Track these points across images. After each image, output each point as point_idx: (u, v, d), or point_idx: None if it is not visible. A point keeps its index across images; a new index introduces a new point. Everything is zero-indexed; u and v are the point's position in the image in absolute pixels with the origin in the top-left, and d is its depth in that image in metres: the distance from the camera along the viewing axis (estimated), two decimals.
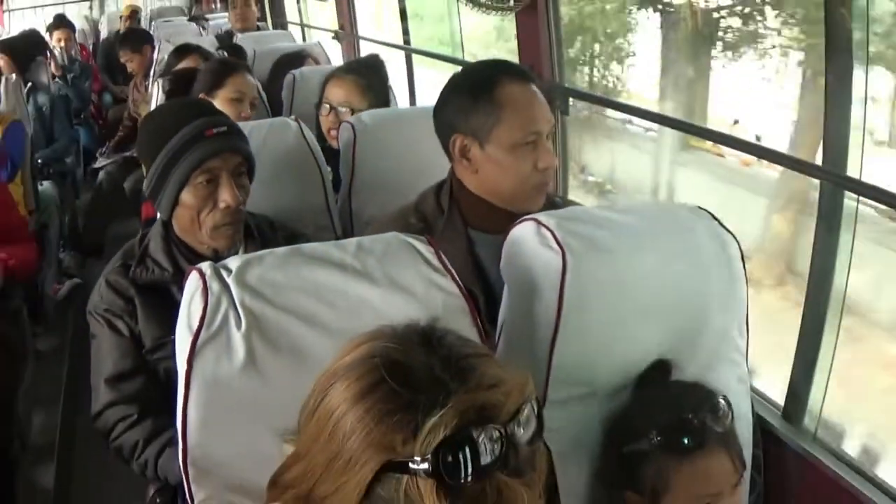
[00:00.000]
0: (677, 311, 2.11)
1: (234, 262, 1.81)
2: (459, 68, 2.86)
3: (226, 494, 1.72)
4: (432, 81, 5.56)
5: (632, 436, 1.99)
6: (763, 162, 3.96)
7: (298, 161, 3.28)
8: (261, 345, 1.71)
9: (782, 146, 3.81)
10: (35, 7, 13.96)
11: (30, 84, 6.72)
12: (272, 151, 3.20)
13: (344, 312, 1.73)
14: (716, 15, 4.44)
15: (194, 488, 1.73)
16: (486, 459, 1.19)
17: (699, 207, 2.27)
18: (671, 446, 1.93)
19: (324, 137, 3.91)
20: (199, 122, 2.60)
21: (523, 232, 2.06)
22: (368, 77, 4.00)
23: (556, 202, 2.67)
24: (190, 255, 2.62)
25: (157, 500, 2.59)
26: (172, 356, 1.78)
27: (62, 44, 8.93)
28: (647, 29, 4.91)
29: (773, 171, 4.14)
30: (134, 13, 11.33)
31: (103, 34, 12.28)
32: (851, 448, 2.56)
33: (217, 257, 2.28)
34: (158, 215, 2.71)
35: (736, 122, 4.22)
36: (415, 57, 5.86)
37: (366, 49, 6.63)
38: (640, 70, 4.54)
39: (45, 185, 6.19)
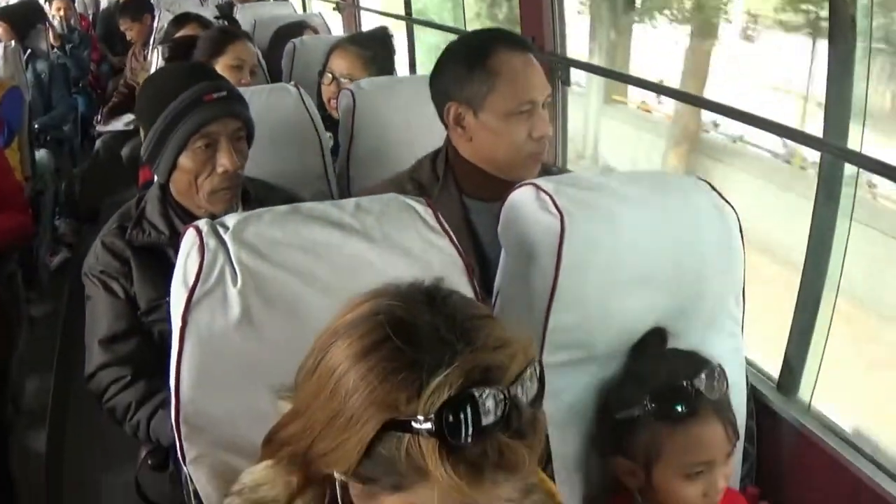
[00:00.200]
0: (674, 278, 2.10)
1: (231, 220, 1.80)
2: None
3: (218, 452, 1.71)
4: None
5: (625, 402, 2.00)
6: (662, 110, 4.97)
7: (297, 127, 3.29)
8: (257, 301, 1.70)
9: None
10: None
11: (29, 51, 6.68)
12: (271, 117, 3.19)
13: (341, 270, 1.73)
14: None
15: (186, 446, 1.72)
16: (488, 420, 1.19)
17: (699, 178, 2.27)
18: (664, 413, 1.93)
19: (324, 106, 3.91)
20: (198, 86, 2.59)
21: (522, 196, 2.05)
22: (373, 49, 3.99)
23: (552, 171, 2.66)
24: (187, 219, 2.59)
25: (149, 462, 2.58)
26: (167, 318, 1.78)
27: (61, 13, 8.87)
28: None
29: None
30: None
31: (103, 3, 12.18)
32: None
33: None
34: (156, 178, 2.70)
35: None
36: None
37: (366, 19, 6.61)
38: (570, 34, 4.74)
39: (42, 153, 6.15)
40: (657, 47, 5.29)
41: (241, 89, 2.89)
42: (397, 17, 6.08)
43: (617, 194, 2.10)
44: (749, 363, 2.37)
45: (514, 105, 2.48)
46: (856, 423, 2.37)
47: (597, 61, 5.23)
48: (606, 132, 5.77)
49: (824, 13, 2.46)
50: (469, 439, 1.18)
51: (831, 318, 2.39)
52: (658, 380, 1.97)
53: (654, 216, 2.10)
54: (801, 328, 2.40)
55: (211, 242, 1.74)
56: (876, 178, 2.52)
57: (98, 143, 6.95)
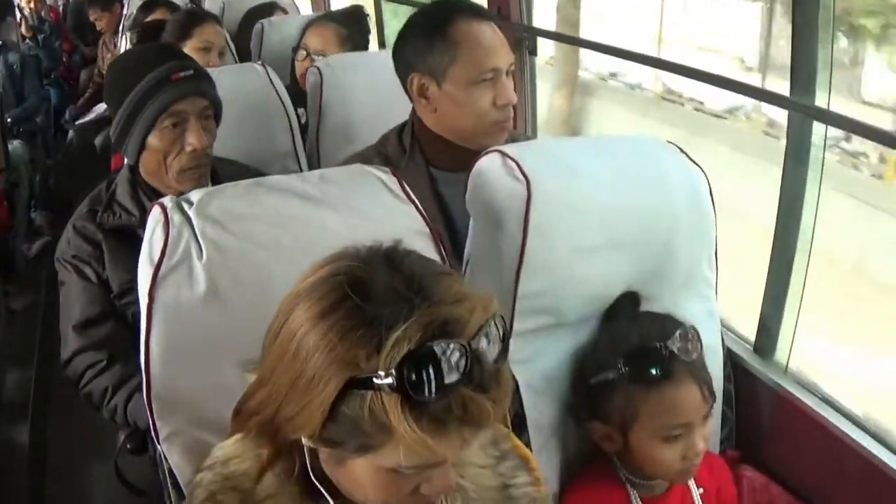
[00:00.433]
0: (645, 242, 2.10)
1: (195, 195, 1.79)
2: None
3: (191, 429, 1.70)
4: None
5: (599, 366, 1.99)
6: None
7: (266, 106, 3.29)
8: (223, 274, 1.69)
9: None
10: None
11: (0, 43, 6.65)
12: (240, 96, 3.18)
13: (307, 239, 1.71)
14: None
15: (159, 424, 1.71)
16: (450, 374, 1.19)
17: (668, 142, 2.26)
18: (638, 376, 1.93)
19: (297, 83, 3.92)
20: (165, 66, 2.58)
21: (488, 163, 2.05)
22: (348, 27, 4.00)
23: (519, 140, 2.66)
24: (157, 200, 2.59)
25: (128, 446, 2.57)
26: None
27: (31, 4, 8.84)
28: None
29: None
30: None
31: None
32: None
33: None
34: (125, 161, 2.69)
35: None
36: None
37: (335, 1, 6.59)
38: None
39: (15, 145, 6.14)
40: None
41: (209, 69, 2.87)
42: None
43: (584, 159, 2.10)
44: (725, 326, 2.37)
45: (476, 74, 2.48)
46: None
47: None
48: None
49: None
50: (431, 394, 1.19)
51: (804, 280, 2.38)
52: (631, 342, 1.97)
53: (622, 180, 2.10)
54: (776, 290, 2.40)
55: (176, 218, 1.73)
56: None
57: (71, 133, 6.95)
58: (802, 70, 2.22)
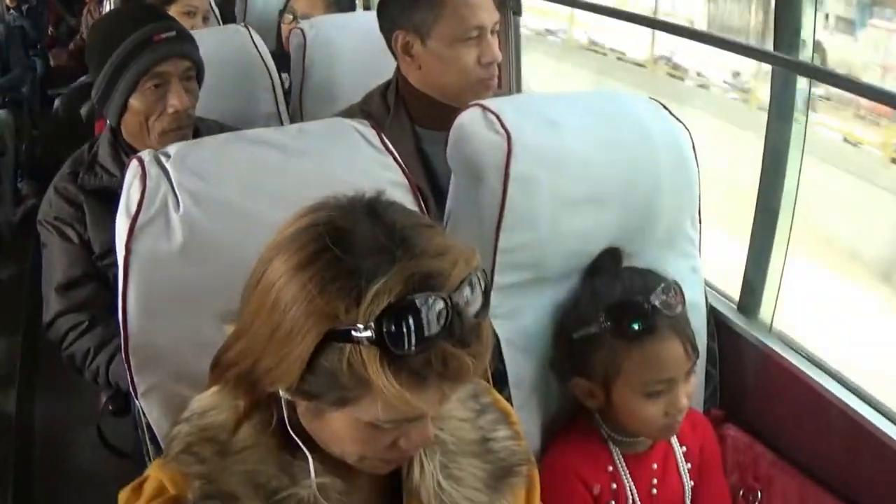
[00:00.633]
0: (628, 197, 2.09)
1: (173, 149, 1.78)
2: None
3: (169, 384, 1.69)
4: None
5: (581, 321, 1.99)
6: None
7: (249, 68, 3.27)
8: (200, 226, 1.67)
9: None
10: None
11: None
12: (223, 58, 3.17)
13: (284, 189, 1.68)
14: None
15: (137, 380, 1.69)
16: (430, 328, 1.18)
17: (651, 98, 2.25)
18: (620, 330, 1.92)
19: (283, 47, 3.91)
20: (147, 27, 2.57)
21: (469, 117, 2.04)
22: None
23: None
24: None
25: (110, 408, 2.58)
26: None
27: None
28: None
29: None
30: None
31: None
32: None
33: None
34: (107, 122, 2.68)
35: None
36: None
37: None
38: None
39: (1, 114, 6.12)
40: None
41: (193, 32, 2.86)
42: None
43: (566, 113, 2.09)
44: (709, 285, 2.37)
45: (461, 31, 2.49)
46: None
47: None
48: None
49: None
50: (411, 347, 1.18)
51: (788, 238, 2.37)
52: (614, 297, 1.96)
53: (604, 133, 2.09)
54: (759, 248, 2.39)
55: (153, 171, 1.71)
56: None
57: (57, 102, 6.90)
58: (786, 25, 2.21)
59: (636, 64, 6.66)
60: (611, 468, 2.02)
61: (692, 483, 2.10)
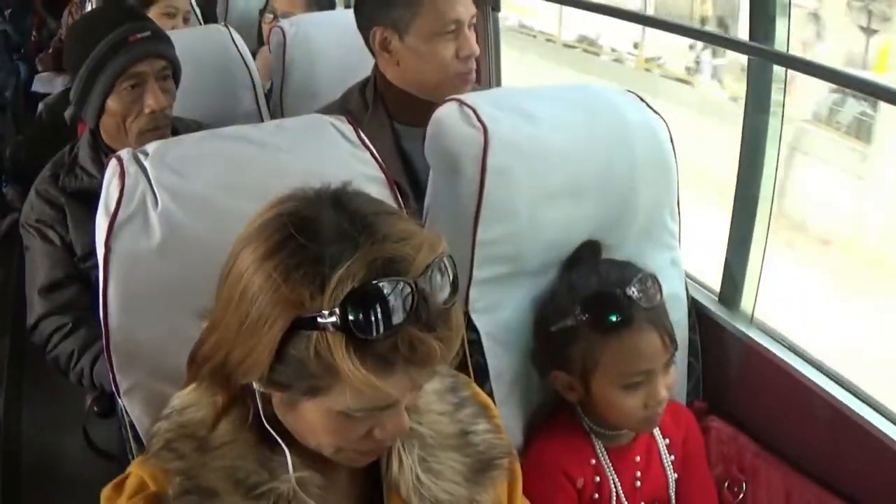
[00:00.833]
0: (606, 189, 2.10)
1: (151, 147, 1.78)
2: None
3: (151, 382, 1.69)
4: None
5: (559, 314, 1.99)
6: None
7: (229, 67, 3.28)
8: (178, 223, 1.68)
9: None
10: None
11: None
12: (204, 58, 3.18)
13: (262, 184, 1.64)
14: None
15: (119, 378, 1.70)
16: (395, 312, 1.19)
17: (628, 91, 2.26)
18: (597, 322, 1.92)
19: (263, 44, 3.91)
20: (122, 28, 2.57)
21: (446, 111, 2.04)
22: None
23: None
24: None
25: (95, 409, 2.58)
26: None
27: None
28: None
29: None
30: None
31: None
32: None
33: None
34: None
35: None
36: None
37: None
38: None
39: None
40: None
41: (173, 32, 2.88)
42: None
43: (542, 106, 2.10)
44: (689, 277, 2.37)
45: (439, 26, 2.50)
46: None
47: None
48: None
49: None
50: (378, 332, 1.18)
51: (768, 228, 2.38)
52: (590, 289, 1.96)
53: (581, 126, 2.10)
54: (739, 238, 2.39)
55: (131, 169, 1.71)
56: None
57: (41, 106, 6.88)
58: (761, 15, 2.22)
59: (565, 45, 7.22)
60: (594, 461, 2.02)
61: (676, 475, 2.10)
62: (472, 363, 1.99)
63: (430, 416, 1.52)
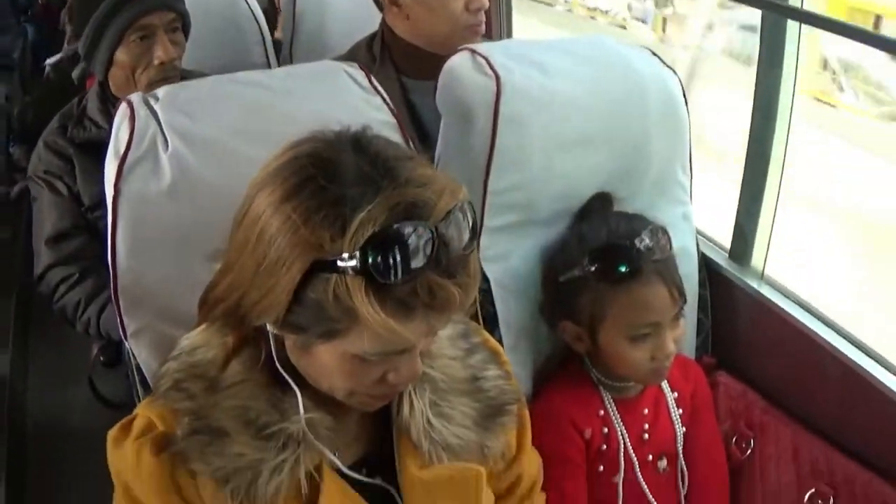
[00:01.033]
0: (618, 141, 2.10)
1: (162, 91, 1.78)
2: None
3: (158, 324, 1.69)
4: None
5: (568, 264, 1.98)
6: None
7: (240, 22, 3.26)
8: (187, 165, 1.67)
9: None
10: None
11: None
12: (213, 11, 3.17)
13: (273, 127, 1.64)
14: None
15: (126, 320, 1.70)
16: (415, 257, 1.18)
17: (641, 46, 2.25)
18: (606, 273, 1.91)
19: (275, 3, 3.93)
20: None
21: (459, 60, 2.04)
22: None
23: None
24: None
25: (101, 359, 2.58)
26: None
27: None
28: None
29: None
30: None
31: None
32: None
33: None
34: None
35: None
36: None
37: None
38: None
39: None
40: None
41: None
42: None
43: (555, 57, 2.09)
44: (700, 233, 2.37)
45: None
46: None
47: None
48: None
49: None
50: (397, 276, 1.18)
51: (780, 185, 2.37)
52: (599, 240, 1.96)
53: (594, 78, 2.09)
54: (751, 195, 2.37)
55: (142, 112, 1.71)
56: None
57: (48, 68, 6.87)
58: None
59: None
60: (602, 412, 2.02)
61: (684, 429, 2.10)
62: (483, 311, 1.98)
63: (441, 361, 1.51)
